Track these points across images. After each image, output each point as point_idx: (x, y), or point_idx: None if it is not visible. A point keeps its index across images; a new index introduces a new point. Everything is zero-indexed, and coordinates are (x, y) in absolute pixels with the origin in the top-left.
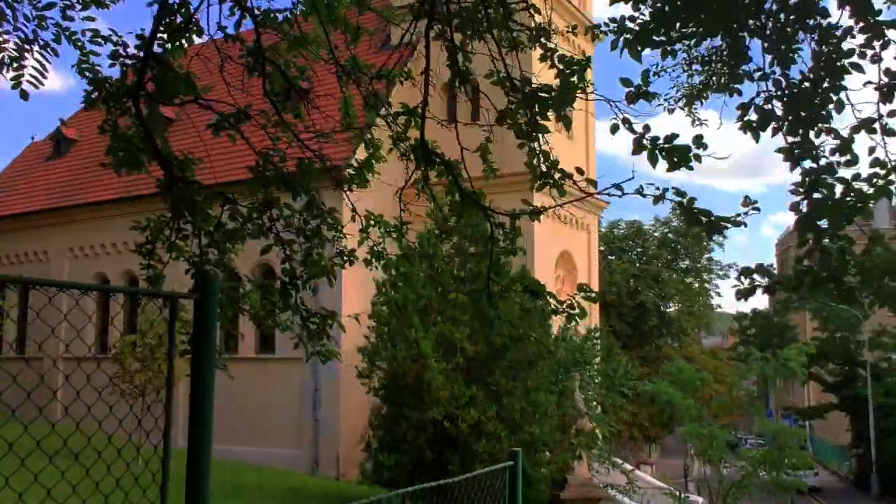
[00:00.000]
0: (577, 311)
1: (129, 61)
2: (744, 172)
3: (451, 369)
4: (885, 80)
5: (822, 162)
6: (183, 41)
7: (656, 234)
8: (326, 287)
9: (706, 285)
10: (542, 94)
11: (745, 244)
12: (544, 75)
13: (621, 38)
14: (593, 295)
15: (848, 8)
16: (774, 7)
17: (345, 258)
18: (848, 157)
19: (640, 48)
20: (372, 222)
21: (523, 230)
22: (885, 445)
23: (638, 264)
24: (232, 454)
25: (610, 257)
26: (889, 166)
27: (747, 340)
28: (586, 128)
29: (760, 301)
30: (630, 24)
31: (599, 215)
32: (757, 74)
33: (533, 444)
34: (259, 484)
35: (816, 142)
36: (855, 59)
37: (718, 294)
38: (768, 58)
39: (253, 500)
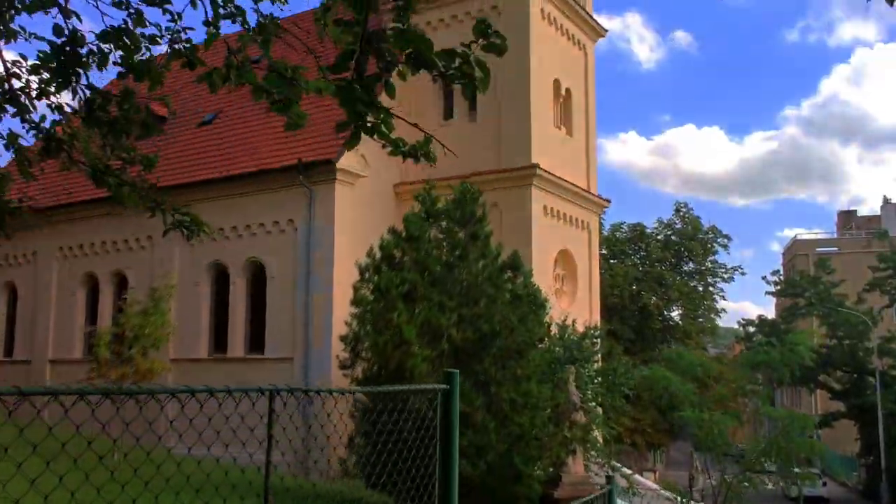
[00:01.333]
0: (477, 72)
1: None
2: (751, 189)
3: (435, 356)
4: None
5: None
6: None
7: (659, 238)
8: (316, 279)
9: (710, 288)
10: None
11: (751, 258)
12: None
13: None
14: (499, 42)
15: None
16: None
17: (182, 48)
18: None
19: None
20: None
21: (521, 226)
22: (894, 454)
23: (641, 268)
24: (219, 457)
25: (612, 261)
26: None
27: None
28: (586, 123)
29: (766, 308)
30: None
31: (600, 214)
32: None
33: (523, 436)
34: (241, 485)
35: None
36: None
37: (723, 297)
38: None
39: (232, 502)
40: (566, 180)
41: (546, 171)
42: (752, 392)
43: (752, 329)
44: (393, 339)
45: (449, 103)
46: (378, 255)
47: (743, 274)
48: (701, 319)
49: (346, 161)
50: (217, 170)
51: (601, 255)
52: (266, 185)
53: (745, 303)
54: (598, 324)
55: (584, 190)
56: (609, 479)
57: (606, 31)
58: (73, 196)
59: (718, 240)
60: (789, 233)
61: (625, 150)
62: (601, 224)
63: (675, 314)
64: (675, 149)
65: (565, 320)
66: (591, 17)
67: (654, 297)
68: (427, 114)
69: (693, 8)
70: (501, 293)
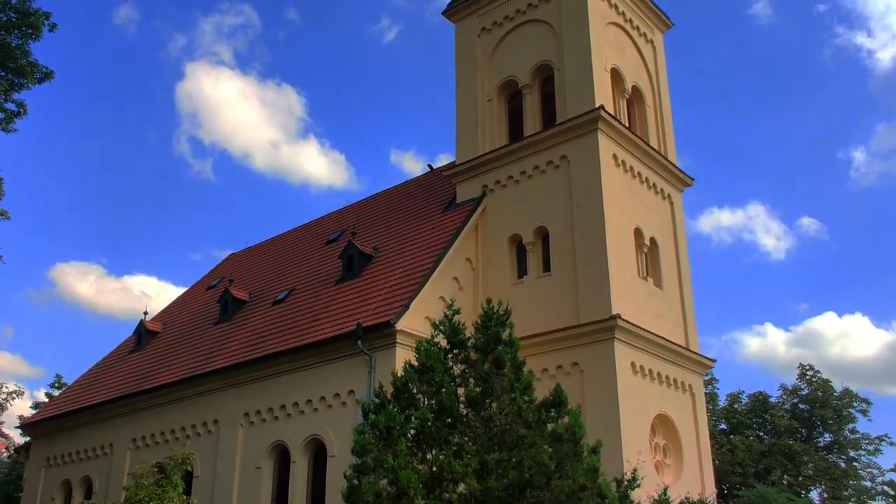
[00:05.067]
0: None
1: None
2: None
3: None
4: None
5: None
6: None
7: (786, 407)
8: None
9: (854, 463)
10: None
11: None
12: None
13: None
14: None
15: None
16: None
17: None
18: None
19: None
20: None
21: (605, 386)
22: None
23: (766, 441)
24: None
25: (731, 436)
26: None
27: None
28: (679, 275)
29: None
30: None
31: (705, 374)
32: None
33: None
34: None
35: None
36: None
37: (871, 472)
38: None
39: None
40: (658, 335)
41: (631, 322)
42: None
43: None
44: (391, 490)
45: (522, 262)
46: (388, 391)
47: (892, 444)
48: (852, 501)
49: (407, 323)
50: (280, 344)
51: (720, 430)
52: (326, 357)
53: None
54: (713, 500)
55: (682, 347)
56: None
57: (692, 179)
58: (153, 382)
59: (855, 404)
60: None
61: (762, 343)
62: (716, 395)
63: (814, 495)
64: (817, 338)
65: (663, 493)
66: (673, 165)
67: (785, 476)
68: (499, 273)
69: (816, 194)
70: (539, 435)
